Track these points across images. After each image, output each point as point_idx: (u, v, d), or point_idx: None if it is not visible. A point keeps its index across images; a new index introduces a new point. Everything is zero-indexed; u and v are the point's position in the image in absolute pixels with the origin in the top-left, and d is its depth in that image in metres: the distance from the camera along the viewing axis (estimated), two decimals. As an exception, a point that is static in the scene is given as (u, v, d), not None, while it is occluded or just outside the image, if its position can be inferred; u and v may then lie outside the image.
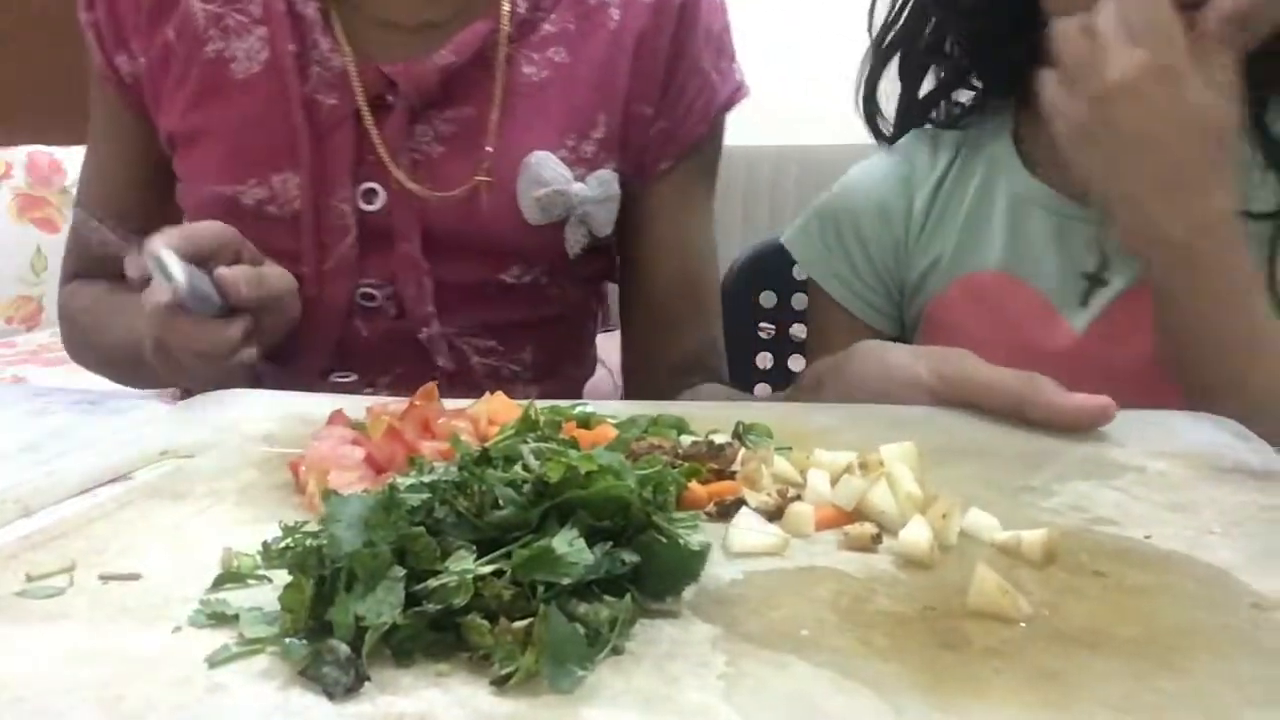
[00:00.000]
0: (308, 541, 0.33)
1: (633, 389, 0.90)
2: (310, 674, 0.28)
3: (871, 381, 0.61)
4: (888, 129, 0.84)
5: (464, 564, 0.31)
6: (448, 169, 0.75)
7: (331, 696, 0.28)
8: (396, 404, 0.52)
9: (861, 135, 0.87)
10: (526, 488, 0.34)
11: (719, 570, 0.37)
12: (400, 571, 0.31)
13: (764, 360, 1.08)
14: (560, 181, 0.76)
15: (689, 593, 0.35)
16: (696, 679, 0.30)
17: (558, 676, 0.28)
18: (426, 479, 0.34)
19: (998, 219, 0.77)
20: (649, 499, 0.35)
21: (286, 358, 0.76)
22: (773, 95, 2.57)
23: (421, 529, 0.32)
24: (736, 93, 0.84)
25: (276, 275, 0.69)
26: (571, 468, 0.34)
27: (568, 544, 0.32)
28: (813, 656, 0.31)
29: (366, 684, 0.28)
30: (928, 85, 0.82)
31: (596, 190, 0.77)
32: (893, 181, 0.82)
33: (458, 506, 0.33)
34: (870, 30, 0.82)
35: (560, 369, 0.86)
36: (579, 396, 0.86)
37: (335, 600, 0.30)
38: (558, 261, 0.79)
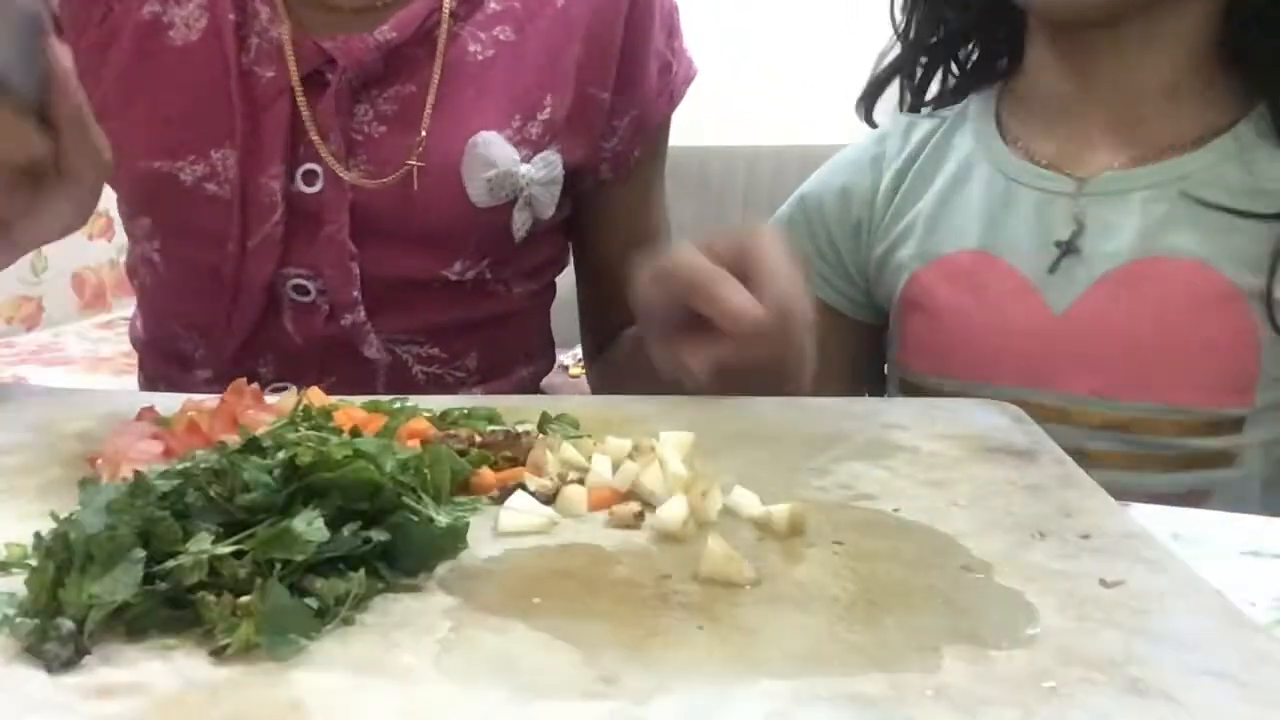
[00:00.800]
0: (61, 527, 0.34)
1: (591, 370, 0.92)
2: (33, 649, 0.30)
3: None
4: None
5: (202, 544, 0.33)
6: (389, 150, 0.74)
7: (49, 670, 0.29)
8: (212, 401, 0.53)
9: (864, 137, 0.88)
10: (277, 472, 0.35)
11: (482, 549, 0.39)
12: (140, 553, 0.32)
13: (763, 360, 1.08)
14: (509, 163, 0.75)
15: (443, 569, 0.37)
16: (415, 645, 0.32)
17: (276, 645, 0.30)
18: (181, 465, 0.36)
19: (977, 198, 0.77)
20: (405, 481, 0.37)
21: (209, 347, 0.76)
22: (775, 95, 2.61)
23: (166, 513, 0.33)
24: (690, 70, 0.85)
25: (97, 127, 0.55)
26: (322, 452, 0.36)
27: (306, 523, 0.33)
28: (535, 621, 0.33)
29: (90, 658, 0.30)
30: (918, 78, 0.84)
31: (542, 172, 0.77)
32: (862, 163, 0.83)
33: (209, 492, 0.35)
34: (894, 24, 0.83)
35: (510, 371, 0.85)
36: (535, 393, 0.87)
37: (69, 581, 0.31)
38: (503, 250, 0.78)
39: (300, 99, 0.72)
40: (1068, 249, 0.72)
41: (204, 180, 0.73)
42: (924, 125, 0.83)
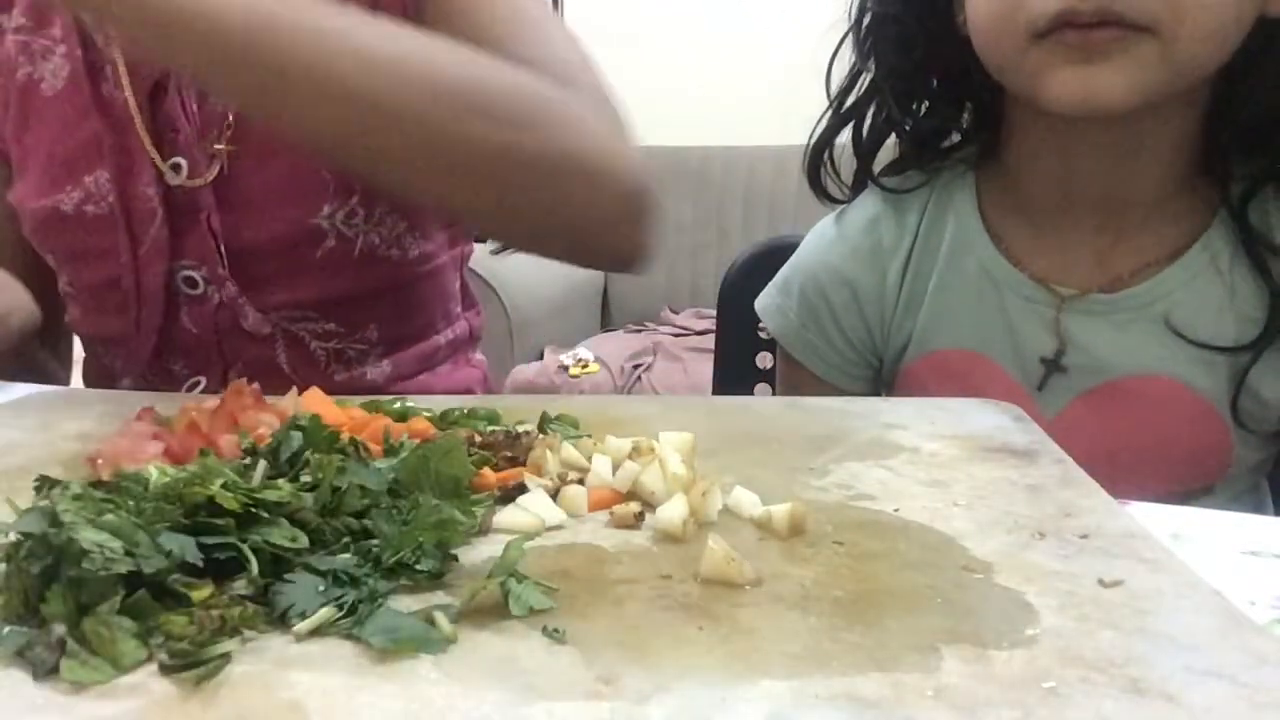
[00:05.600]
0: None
1: None
2: (26, 655, 0.30)
3: None
4: (839, 191, 0.82)
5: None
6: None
7: (35, 676, 0.29)
8: (213, 401, 0.54)
9: (843, 221, 0.83)
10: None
11: (481, 549, 0.39)
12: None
13: (764, 360, 1.05)
14: None
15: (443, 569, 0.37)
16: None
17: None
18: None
19: (966, 295, 0.76)
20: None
21: (125, 356, 0.77)
22: (776, 94, 2.60)
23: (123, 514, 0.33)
24: None
25: None
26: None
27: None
28: (535, 622, 0.33)
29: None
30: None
31: None
32: (862, 255, 0.80)
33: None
34: (828, 92, 0.80)
35: (421, 338, 0.84)
36: (448, 360, 0.86)
37: (51, 587, 0.31)
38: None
39: (133, 106, 0.74)
40: (1054, 367, 0.73)
41: (82, 204, 0.76)
42: (912, 204, 0.80)
